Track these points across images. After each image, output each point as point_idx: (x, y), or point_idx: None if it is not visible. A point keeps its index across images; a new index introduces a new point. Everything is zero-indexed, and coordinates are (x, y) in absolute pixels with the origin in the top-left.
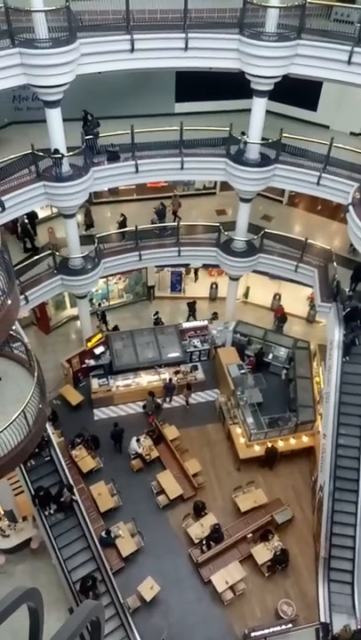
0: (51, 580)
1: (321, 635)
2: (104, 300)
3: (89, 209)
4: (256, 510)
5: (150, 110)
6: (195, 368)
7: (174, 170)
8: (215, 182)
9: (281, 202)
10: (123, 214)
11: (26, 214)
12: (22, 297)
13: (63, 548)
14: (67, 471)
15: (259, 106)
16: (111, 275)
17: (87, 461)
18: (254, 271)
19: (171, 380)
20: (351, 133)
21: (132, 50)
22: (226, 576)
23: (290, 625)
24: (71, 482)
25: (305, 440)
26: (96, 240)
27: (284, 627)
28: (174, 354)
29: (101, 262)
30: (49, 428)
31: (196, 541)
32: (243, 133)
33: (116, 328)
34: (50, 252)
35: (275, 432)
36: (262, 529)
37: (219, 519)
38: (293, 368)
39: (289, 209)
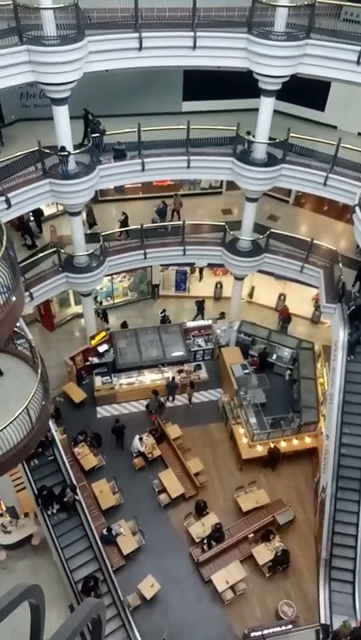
0: (51, 577)
1: (321, 636)
2: (108, 298)
3: (91, 208)
4: (258, 510)
5: (157, 109)
6: (198, 367)
7: (181, 168)
8: (221, 181)
9: (287, 202)
10: (124, 213)
11: (31, 211)
12: (27, 294)
13: (65, 547)
14: (70, 471)
15: (266, 105)
16: (116, 273)
17: (89, 459)
18: (259, 271)
19: (173, 378)
20: (359, 134)
21: (140, 48)
22: (226, 576)
23: (290, 626)
24: (74, 482)
25: (308, 441)
26: (101, 238)
27: (284, 627)
28: (178, 353)
29: (106, 260)
30: (52, 425)
31: (197, 540)
32: (248, 133)
33: (125, 324)
34: (54, 249)
35: (278, 432)
36: (264, 529)
37: (220, 519)
38: (297, 369)
39: (295, 209)
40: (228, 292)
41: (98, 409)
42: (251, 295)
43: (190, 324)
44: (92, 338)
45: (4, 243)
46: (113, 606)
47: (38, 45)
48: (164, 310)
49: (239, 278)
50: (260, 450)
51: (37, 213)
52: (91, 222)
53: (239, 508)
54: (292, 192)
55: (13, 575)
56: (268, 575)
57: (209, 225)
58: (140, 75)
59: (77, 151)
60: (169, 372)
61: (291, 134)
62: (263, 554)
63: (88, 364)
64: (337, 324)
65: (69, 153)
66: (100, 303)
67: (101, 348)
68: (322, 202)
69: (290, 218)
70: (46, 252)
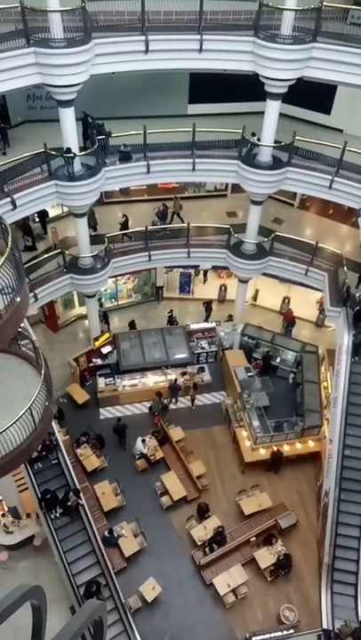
0: (52, 578)
1: None
2: (112, 300)
3: (92, 210)
4: (260, 514)
5: (163, 111)
6: (202, 370)
7: (186, 171)
8: (226, 184)
9: (292, 205)
10: (125, 215)
11: (37, 213)
12: (32, 295)
13: (68, 551)
14: (74, 475)
15: (272, 108)
16: (120, 274)
17: (92, 460)
18: (264, 274)
19: (176, 380)
20: None
21: (147, 51)
22: (228, 579)
23: (292, 630)
24: (78, 486)
25: (311, 445)
26: (106, 240)
27: (285, 632)
28: (181, 355)
29: (111, 262)
30: (55, 426)
31: (199, 543)
32: (253, 134)
33: (132, 324)
34: (59, 250)
35: (281, 436)
36: (266, 533)
37: (222, 522)
38: (301, 372)
39: (300, 212)
40: (232, 295)
41: (101, 410)
42: (255, 298)
43: (194, 326)
44: (96, 339)
45: (10, 244)
46: (115, 611)
47: (45, 47)
48: (170, 311)
49: (243, 281)
50: (263, 453)
51: (42, 215)
52: (92, 225)
53: (241, 512)
54: (297, 195)
55: (14, 576)
56: (269, 579)
57: (214, 227)
58: (146, 77)
59: (83, 153)
60: (172, 374)
61: (296, 137)
62: (265, 557)
63: (92, 365)
64: (341, 327)
65: (75, 155)
66: (101, 305)
67: (105, 350)
68: (327, 205)
69: (295, 221)
70: (51, 254)
